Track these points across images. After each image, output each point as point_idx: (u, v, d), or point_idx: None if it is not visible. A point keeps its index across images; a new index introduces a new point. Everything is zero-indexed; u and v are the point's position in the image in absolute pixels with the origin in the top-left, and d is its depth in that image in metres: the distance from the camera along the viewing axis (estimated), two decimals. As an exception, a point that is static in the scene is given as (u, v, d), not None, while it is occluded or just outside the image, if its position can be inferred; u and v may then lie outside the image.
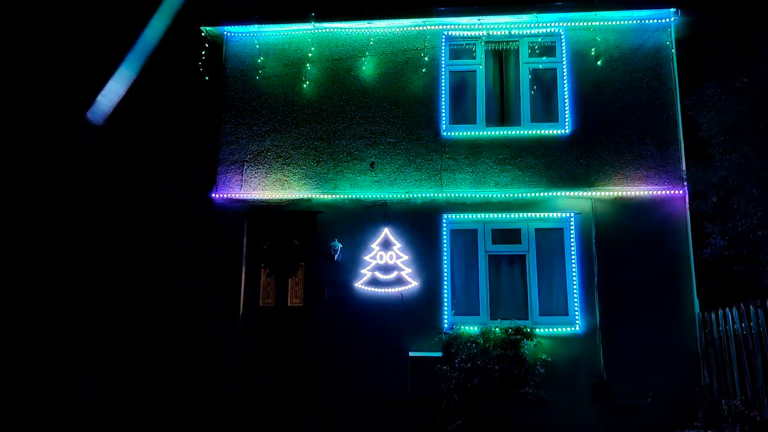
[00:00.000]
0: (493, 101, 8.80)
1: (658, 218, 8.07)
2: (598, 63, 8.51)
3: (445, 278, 8.17)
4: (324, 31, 8.93)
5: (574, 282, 8.05)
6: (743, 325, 6.72)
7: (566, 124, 8.45)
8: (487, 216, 8.32)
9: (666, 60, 8.47)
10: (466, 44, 8.92)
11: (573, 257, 8.13)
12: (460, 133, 8.55)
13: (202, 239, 9.03)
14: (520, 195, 8.29)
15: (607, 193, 8.18)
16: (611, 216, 8.13)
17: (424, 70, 8.72)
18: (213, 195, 8.62)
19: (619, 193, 8.16)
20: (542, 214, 8.27)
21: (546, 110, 8.68)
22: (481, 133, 8.54)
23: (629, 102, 8.40)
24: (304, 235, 8.58)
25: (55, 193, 10.39)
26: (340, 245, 8.24)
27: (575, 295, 8.01)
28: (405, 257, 8.21)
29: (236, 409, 7.90)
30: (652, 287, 7.88)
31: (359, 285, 8.20)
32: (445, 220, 8.34)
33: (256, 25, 8.95)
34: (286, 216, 8.58)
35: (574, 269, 8.09)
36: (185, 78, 10.17)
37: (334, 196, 8.47)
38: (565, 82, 8.56)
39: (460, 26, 8.79)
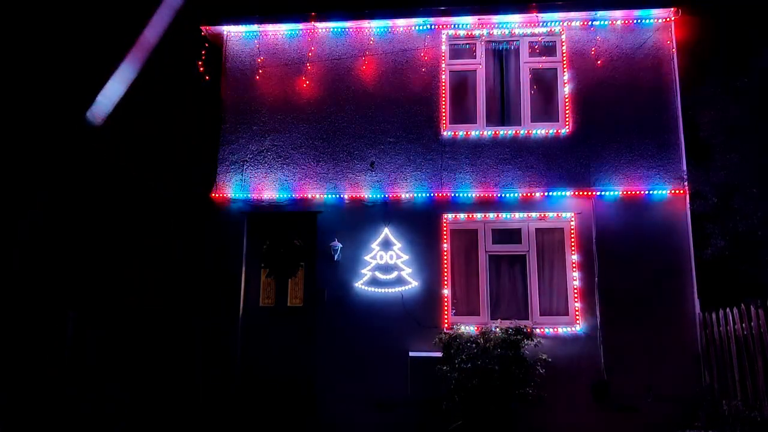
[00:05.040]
0: (493, 101, 8.79)
1: (658, 218, 8.06)
2: (599, 63, 8.50)
3: (446, 278, 8.16)
4: (324, 30, 8.93)
5: (575, 282, 8.05)
6: (744, 325, 6.73)
7: (566, 123, 8.45)
8: (487, 216, 8.32)
9: (666, 60, 8.46)
10: (467, 43, 8.92)
11: (573, 257, 8.12)
12: (461, 133, 8.54)
13: (201, 239, 9.02)
14: (520, 194, 8.28)
15: (607, 193, 8.17)
16: (612, 216, 8.13)
17: (424, 69, 8.71)
18: (213, 195, 8.61)
19: (620, 193, 8.15)
20: (542, 214, 8.27)
21: (546, 110, 8.67)
22: (481, 132, 8.53)
23: (629, 101, 8.40)
24: (304, 235, 8.57)
25: (54, 193, 10.37)
26: (340, 245, 8.23)
27: (575, 295, 8.01)
28: (405, 257, 8.20)
29: (236, 410, 7.89)
30: (653, 287, 7.87)
31: (359, 285, 8.19)
32: (445, 220, 8.33)
33: (256, 25, 8.95)
34: (286, 216, 8.57)
35: (574, 269, 8.09)
36: (185, 78, 10.16)
37: (334, 196, 8.46)
38: (565, 81, 8.56)
39: (461, 26, 8.79)
